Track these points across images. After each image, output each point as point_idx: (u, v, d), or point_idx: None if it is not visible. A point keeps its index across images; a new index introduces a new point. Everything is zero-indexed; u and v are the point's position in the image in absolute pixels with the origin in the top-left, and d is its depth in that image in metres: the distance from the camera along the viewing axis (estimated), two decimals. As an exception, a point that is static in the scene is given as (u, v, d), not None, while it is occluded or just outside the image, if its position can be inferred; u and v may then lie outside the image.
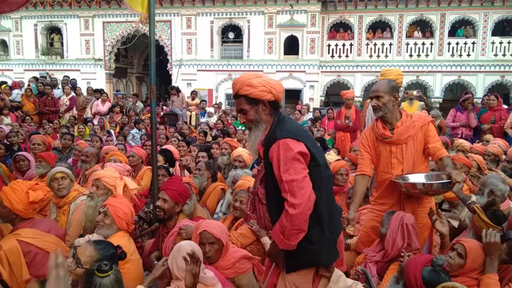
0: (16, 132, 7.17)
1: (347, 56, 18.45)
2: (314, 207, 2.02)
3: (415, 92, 6.61)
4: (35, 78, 11.96)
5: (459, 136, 7.19)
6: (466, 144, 5.76)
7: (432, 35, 17.80)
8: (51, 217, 3.51)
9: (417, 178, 3.02)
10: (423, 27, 18.04)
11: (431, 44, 17.74)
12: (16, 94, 9.93)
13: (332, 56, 18.62)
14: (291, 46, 18.24)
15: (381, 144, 3.12)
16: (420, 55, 17.85)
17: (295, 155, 1.99)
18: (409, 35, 18.08)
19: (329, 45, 18.60)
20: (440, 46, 17.65)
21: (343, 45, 18.45)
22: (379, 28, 18.29)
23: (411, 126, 3.00)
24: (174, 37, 19.02)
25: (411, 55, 17.94)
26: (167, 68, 19.24)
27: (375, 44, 18.22)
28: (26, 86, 10.69)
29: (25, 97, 9.70)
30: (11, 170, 5.48)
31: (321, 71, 18.46)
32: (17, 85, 10.51)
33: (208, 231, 2.62)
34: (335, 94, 18.04)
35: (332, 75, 18.60)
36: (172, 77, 19.30)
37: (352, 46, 18.37)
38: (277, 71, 18.28)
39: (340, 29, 18.55)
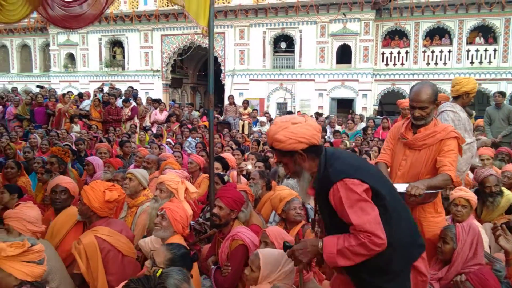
0: (83, 140, 7.74)
1: (402, 64, 17.94)
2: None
3: None
4: (100, 89, 12.81)
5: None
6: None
7: (495, 41, 16.85)
8: (121, 215, 3.77)
9: (400, 187, 2.75)
10: (486, 33, 17.13)
11: (495, 50, 16.79)
12: (86, 104, 10.73)
13: (387, 64, 18.18)
14: (344, 55, 18.06)
15: (399, 143, 3.04)
16: (482, 62, 16.95)
17: (358, 195, 1.91)
18: (470, 41, 17.24)
19: (383, 53, 18.20)
20: (505, 53, 16.65)
21: (398, 53, 17.97)
22: (437, 34, 17.62)
23: (431, 135, 2.85)
24: (228, 48, 19.55)
25: (472, 62, 17.07)
26: (220, 78, 19.78)
27: (432, 52, 17.57)
28: (92, 96, 11.49)
29: (92, 106, 10.45)
30: (80, 174, 5.94)
31: (375, 80, 18.08)
32: (87, 95, 11.33)
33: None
34: (389, 103, 17.59)
35: (386, 84, 18.15)
36: (225, 87, 19.80)
37: (408, 54, 17.83)
38: (329, 80, 18.17)
39: (395, 36, 18.10)
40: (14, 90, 13.07)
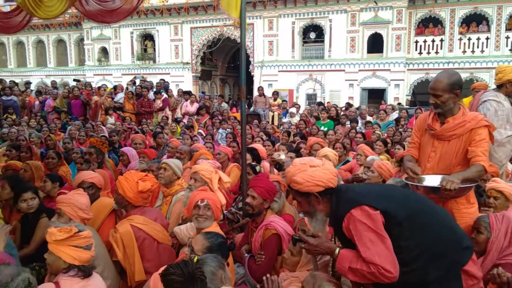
0: (117, 131, 7.98)
1: (436, 52, 17.37)
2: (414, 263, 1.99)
3: None
4: (133, 82, 13.11)
5: None
6: None
7: (537, 26, 16.05)
8: (156, 204, 3.89)
9: (433, 180, 2.74)
10: (527, 18, 16.33)
11: (537, 36, 16.00)
12: (120, 96, 11.04)
13: (420, 53, 17.66)
14: (375, 44, 17.67)
15: (427, 135, 2.95)
16: (522, 49, 16.20)
17: (366, 226, 1.95)
18: (509, 28, 16.46)
19: (416, 42, 17.68)
20: (548, 39, 15.85)
21: (433, 41, 17.41)
22: (474, 21, 16.92)
23: (460, 125, 2.76)
24: (256, 39, 19.51)
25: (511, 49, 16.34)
26: (249, 70, 19.80)
27: (469, 39, 16.91)
28: (125, 89, 11.78)
29: (126, 99, 10.73)
30: (115, 164, 6.14)
31: (408, 69, 17.61)
32: (120, 88, 11.65)
33: None
34: (422, 93, 17.11)
35: (420, 73, 17.63)
36: (253, 78, 19.81)
37: (443, 42, 17.25)
38: (359, 70, 17.85)
39: (429, 24, 17.52)
40: (53, 83, 13.58)
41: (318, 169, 2.15)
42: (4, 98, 10.72)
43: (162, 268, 1.91)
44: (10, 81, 13.68)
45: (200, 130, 8.93)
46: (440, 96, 2.75)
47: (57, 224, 2.39)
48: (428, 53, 17.56)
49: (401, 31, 17.13)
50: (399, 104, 14.06)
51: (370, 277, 1.94)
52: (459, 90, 2.78)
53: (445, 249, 2.04)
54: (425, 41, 17.59)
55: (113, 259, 3.03)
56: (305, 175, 2.14)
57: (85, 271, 2.29)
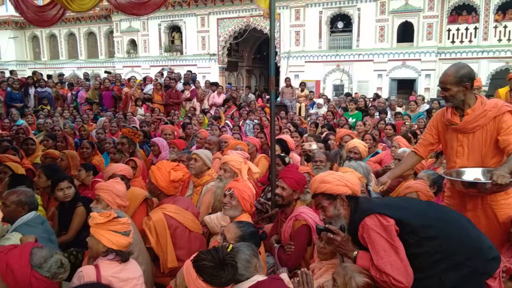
0: (147, 122, 8.14)
1: (470, 41, 16.74)
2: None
3: None
4: (161, 74, 13.30)
5: None
6: None
7: None
8: (187, 193, 3.97)
9: (473, 173, 2.72)
10: None
11: None
12: (150, 88, 11.24)
13: (453, 41, 17.06)
14: (405, 33, 17.20)
15: (449, 130, 2.90)
16: None
17: (379, 235, 2.02)
18: (550, 14, 15.70)
19: (449, 30, 17.07)
20: None
21: (466, 29, 16.77)
22: (511, 8, 16.16)
23: (482, 115, 2.71)
24: (283, 30, 19.35)
25: (551, 37, 15.58)
26: (275, 61, 19.66)
27: (505, 27, 16.19)
28: (154, 80, 11.98)
29: (155, 90, 10.91)
30: (146, 154, 6.28)
31: (439, 59, 17.06)
32: (149, 80, 11.86)
33: None
34: (454, 83, 16.55)
35: (452, 63, 16.99)
36: (280, 69, 19.71)
37: (477, 30, 16.59)
38: (388, 60, 17.45)
39: (463, 11, 16.87)
40: (85, 75, 13.98)
41: (346, 173, 2.34)
42: (39, 89, 11.11)
43: (194, 255, 1.96)
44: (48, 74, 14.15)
45: (227, 121, 8.99)
46: (449, 90, 2.75)
47: (99, 209, 2.48)
48: (461, 41, 16.94)
49: (433, 19, 16.59)
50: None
51: (383, 285, 2.01)
52: (469, 83, 2.76)
53: (466, 258, 2.05)
54: (458, 29, 16.96)
55: (146, 245, 3.12)
56: (335, 175, 2.29)
57: (122, 256, 2.38)
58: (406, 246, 2.03)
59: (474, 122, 2.75)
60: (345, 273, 2.04)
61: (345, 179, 2.27)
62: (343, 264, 2.26)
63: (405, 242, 2.03)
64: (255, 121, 8.64)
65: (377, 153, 5.60)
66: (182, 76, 12.62)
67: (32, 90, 11.07)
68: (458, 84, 2.73)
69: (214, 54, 21.16)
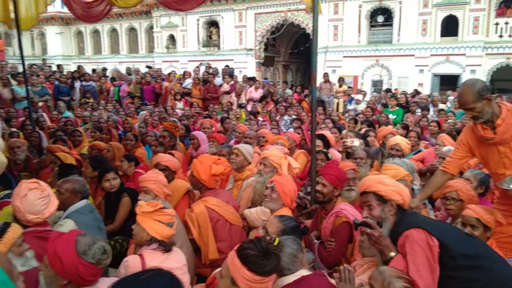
0: (186, 116, 8.30)
1: (520, 35, 15.85)
2: None
3: None
4: (199, 68, 13.51)
5: None
6: None
7: None
8: (227, 187, 4.03)
9: None
10: None
11: None
12: (188, 82, 11.46)
13: (501, 36, 16.20)
14: (449, 27, 16.51)
15: (485, 145, 2.80)
16: None
17: (421, 250, 2.03)
18: None
19: (497, 24, 16.22)
20: None
21: (516, 22, 15.90)
22: None
23: None
24: (321, 24, 19.03)
25: None
26: (313, 55, 19.44)
27: (559, 20, 15.23)
28: (192, 75, 12.18)
29: (193, 84, 11.11)
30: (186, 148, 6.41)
31: (486, 54, 16.27)
32: (188, 74, 12.08)
33: None
34: (502, 80, 15.80)
35: (500, 58, 16.22)
36: (317, 64, 19.41)
37: (528, 24, 15.69)
38: (431, 55, 16.84)
39: (513, 4, 16.01)
40: (128, 70, 14.41)
41: (401, 183, 2.35)
42: (84, 83, 11.57)
43: (237, 246, 1.99)
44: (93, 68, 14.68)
45: (259, 118, 8.97)
46: (474, 108, 2.71)
47: (147, 199, 2.57)
48: (510, 36, 16.05)
49: (480, 12, 15.83)
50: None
51: None
52: (489, 94, 2.70)
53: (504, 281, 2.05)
54: (506, 23, 16.07)
55: (188, 237, 3.19)
56: (393, 181, 2.33)
57: (165, 246, 2.45)
58: (442, 267, 2.07)
59: (509, 131, 2.70)
60: (383, 278, 1.98)
61: (400, 188, 2.30)
62: (379, 268, 2.23)
63: (442, 263, 2.07)
64: (292, 116, 8.60)
65: (419, 151, 5.44)
66: (220, 70, 12.75)
67: (77, 84, 11.55)
68: (480, 100, 2.68)
69: (251, 49, 21.21)
